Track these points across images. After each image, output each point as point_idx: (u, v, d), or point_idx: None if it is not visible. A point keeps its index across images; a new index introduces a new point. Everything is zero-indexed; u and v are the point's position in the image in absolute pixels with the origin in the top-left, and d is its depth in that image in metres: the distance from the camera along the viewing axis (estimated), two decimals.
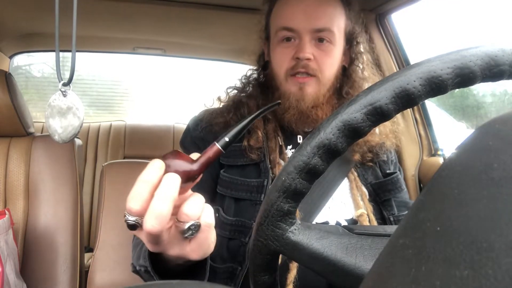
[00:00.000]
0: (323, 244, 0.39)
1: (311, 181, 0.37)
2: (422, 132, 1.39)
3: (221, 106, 0.98)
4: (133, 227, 0.45)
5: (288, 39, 0.85)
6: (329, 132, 0.35)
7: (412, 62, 1.38)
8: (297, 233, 0.39)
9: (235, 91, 0.98)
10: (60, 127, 1.03)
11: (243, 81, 0.98)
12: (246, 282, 0.81)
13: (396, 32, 1.36)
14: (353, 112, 0.35)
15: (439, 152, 1.36)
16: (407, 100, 0.34)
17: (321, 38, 0.84)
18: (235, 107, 0.93)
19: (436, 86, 0.33)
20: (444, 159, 1.31)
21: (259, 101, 0.91)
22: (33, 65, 2.87)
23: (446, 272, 0.16)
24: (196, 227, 0.47)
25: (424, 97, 0.34)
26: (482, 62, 0.32)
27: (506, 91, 1.65)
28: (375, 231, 0.42)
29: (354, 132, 0.35)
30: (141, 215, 0.44)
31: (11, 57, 1.98)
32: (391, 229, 0.45)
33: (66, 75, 0.82)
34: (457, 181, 0.20)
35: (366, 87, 0.92)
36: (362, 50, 0.94)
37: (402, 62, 1.37)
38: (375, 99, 0.34)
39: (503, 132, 0.21)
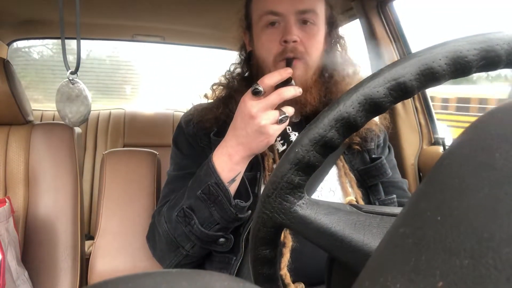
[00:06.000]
0: (331, 220, 0.38)
1: (325, 155, 0.36)
2: (422, 121, 1.39)
3: (209, 102, 0.99)
4: (259, 93, 0.74)
5: (272, 23, 0.84)
6: (349, 105, 0.34)
7: (413, 50, 1.37)
8: (305, 207, 0.38)
9: (221, 87, 0.98)
10: (70, 112, 1.04)
11: (227, 76, 0.98)
12: (240, 272, 0.83)
13: (397, 19, 1.34)
14: (376, 86, 0.34)
15: (439, 141, 1.36)
16: (431, 78, 0.33)
17: (305, 20, 0.84)
18: (224, 102, 0.93)
19: (460, 67, 0.32)
20: (444, 148, 1.31)
21: None
22: (33, 47, 2.88)
23: (446, 261, 0.16)
24: (286, 118, 0.77)
25: (448, 77, 0.33)
26: (509, 46, 0.32)
27: None
28: (383, 211, 0.41)
29: (374, 107, 0.34)
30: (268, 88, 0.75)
31: (9, 44, 1.96)
32: (398, 210, 0.44)
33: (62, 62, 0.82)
34: (458, 170, 0.20)
35: (347, 70, 0.93)
36: (341, 34, 0.95)
37: (403, 50, 1.36)
38: (400, 74, 0.33)
39: (505, 121, 0.21)
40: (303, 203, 0.38)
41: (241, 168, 0.80)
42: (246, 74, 0.96)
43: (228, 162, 0.79)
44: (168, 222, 0.84)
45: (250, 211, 0.82)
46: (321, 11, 0.86)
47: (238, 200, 0.79)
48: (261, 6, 0.85)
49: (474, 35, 0.33)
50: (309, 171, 0.37)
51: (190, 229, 0.80)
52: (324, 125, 0.35)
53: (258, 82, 0.74)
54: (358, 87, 0.34)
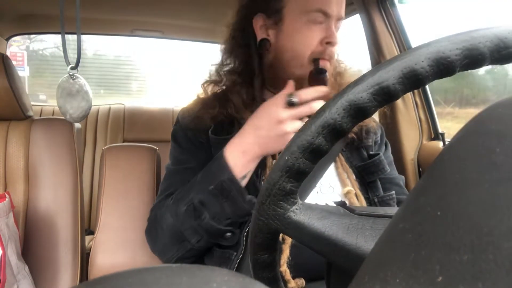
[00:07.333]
0: (324, 224, 0.39)
1: (314, 161, 0.37)
2: (422, 116, 1.39)
3: (204, 97, 0.97)
4: (293, 104, 0.77)
5: (319, 21, 0.85)
6: (334, 111, 0.34)
7: (413, 45, 1.37)
8: (298, 213, 0.39)
9: (212, 84, 0.97)
10: (71, 108, 1.04)
11: (219, 72, 0.96)
12: (240, 267, 0.83)
13: (398, 15, 1.34)
14: (360, 91, 0.34)
15: (439, 136, 1.36)
16: (415, 80, 0.33)
17: (338, 26, 0.87)
18: (220, 102, 0.91)
19: (444, 67, 0.32)
20: (444, 143, 1.31)
21: (243, 96, 0.90)
22: (47, 49, 2.96)
23: (446, 256, 0.16)
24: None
25: (432, 78, 0.33)
26: (492, 44, 0.31)
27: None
28: (376, 213, 0.42)
29: (359, 112, 0.34)
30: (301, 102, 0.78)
31: (8, 39, 1.96)
32: (392, 210, 0.45)
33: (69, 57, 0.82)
34: (458, 165, 0.20)
35: (344, 70, 0.96)
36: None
37: (404, 46, 1.35)
38: (382, 78, 0.33)
39: (506, 116, 0.21)
40: (297, 209, 0.39)
41: (253, 166, 0.82)
42: (241, 67, 0.93)
43: (242, 158, 0.80)
44: (174, 216, 0.84)
45: None
46: None
47: (251, 196, 0.81)
48: (313, 3, 0.84)
49: (457, 34, 0.32)
50: (300, 177, 0.37)
51: (199, 222, 0.81)
52: (311, 132, 0.35)
53: (295, 94, 0.78)
54: (342, 93, 0.35)
